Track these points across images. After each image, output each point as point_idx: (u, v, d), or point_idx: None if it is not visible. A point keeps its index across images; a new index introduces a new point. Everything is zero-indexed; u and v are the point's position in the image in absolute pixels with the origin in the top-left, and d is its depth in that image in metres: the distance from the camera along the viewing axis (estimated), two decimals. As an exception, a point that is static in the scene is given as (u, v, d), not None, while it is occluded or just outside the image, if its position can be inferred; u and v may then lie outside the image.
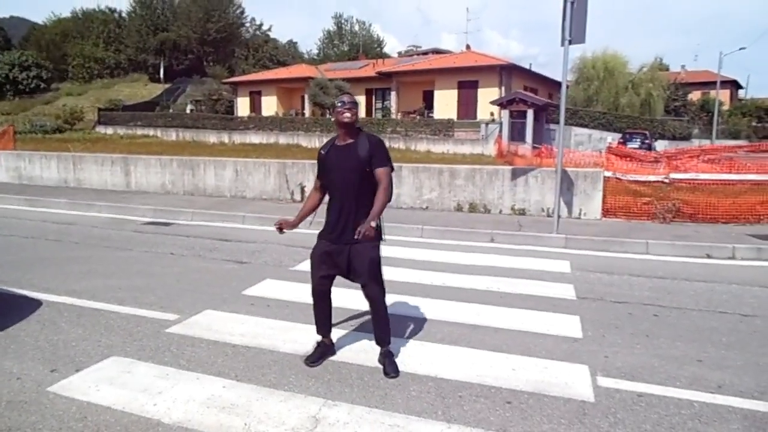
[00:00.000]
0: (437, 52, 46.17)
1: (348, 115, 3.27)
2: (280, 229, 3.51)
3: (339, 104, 3.31)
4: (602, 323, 4.37)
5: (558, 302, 4.90)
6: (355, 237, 3.07)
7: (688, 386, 3.29)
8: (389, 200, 3.29)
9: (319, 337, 3.62)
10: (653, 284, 5.59)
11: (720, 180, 8.53)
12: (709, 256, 6.83)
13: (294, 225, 3.53)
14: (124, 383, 3.16)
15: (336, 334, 3.98)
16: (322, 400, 3.01)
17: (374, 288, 3.34)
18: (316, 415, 2.85)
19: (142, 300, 4.73)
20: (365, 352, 3.64)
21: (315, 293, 3.48)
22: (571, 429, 2.79)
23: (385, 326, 3.43)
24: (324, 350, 3.59)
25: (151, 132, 37.52)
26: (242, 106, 42.16)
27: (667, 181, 8.60)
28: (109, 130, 38.48)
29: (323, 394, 3.09)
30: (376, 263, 3.36)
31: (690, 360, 3.68)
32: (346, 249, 3.32)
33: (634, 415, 2.93)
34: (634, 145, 23.37)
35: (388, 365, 3.36)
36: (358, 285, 3.40)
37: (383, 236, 3.43)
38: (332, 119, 33.64)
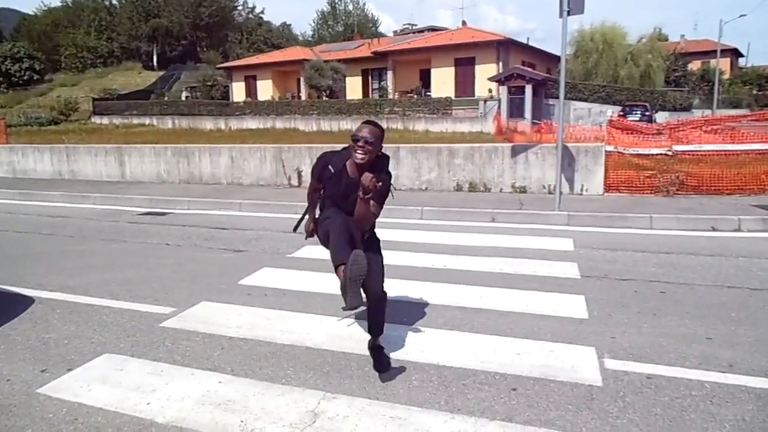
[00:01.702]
0: (433, 29, 45.50)
1: (360, 155, 2.92)
2: (311, 235, 3.35)
3: (355, 137, 2.94)
4: (608, 302, 4.26)
5: (562, 282, 4.79)
6: (361, 195, 2.86)
7: (698, 366, 3.19)
8: (369, 222, 3.14)
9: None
10: (659, 260, 5.47)
11: (724, 150, 8.37)
12: (714, 229, 6.70)
13: (315, 221, 3.34)
14: (117, 382, 3.07)
15: (335, 322, 3.89)
16: (320, 393, 2.91)
17: (374, 277, 3.13)
18: (314, 409, 2.76)
19: (137, 293, 4.63)
20: (365, 341, 3.52)
21: (356, 260, 2.80)
22: (578, 415, 2.69)
23: (381, 318, 3.23)
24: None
25: (146, 121, 37.19)
26: (238, 92, 41.72)
27: (670, 153, 8.43)
28: (105, 120, 38.14)
29: (322, 387, 2.99)
30: (379, 256, 3.24)
31: (699, 338, 3.58)
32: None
33: (644, 399, 2.83)
34: (635, 117, 23.08)
35: (382, 359, 3.15)
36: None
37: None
38: (327, 100, 33.34)
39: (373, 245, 3.26)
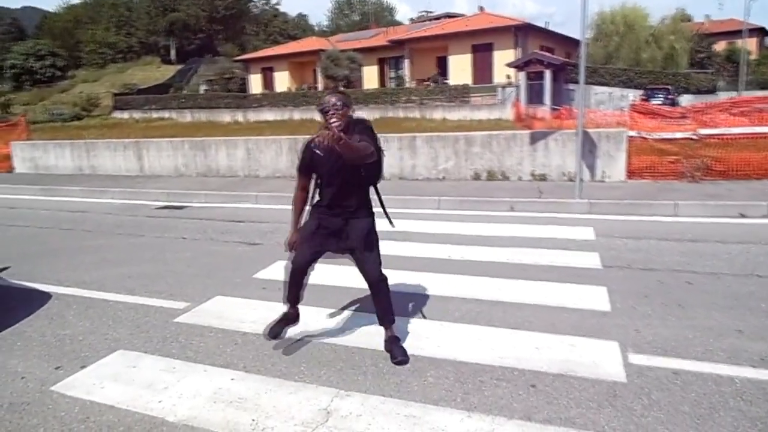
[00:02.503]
0: (450, 16, 44.92)
1: (335, 121, 2.95)
2: (293, 248, 3.31)
3: (324, 107, 2.97)
4: (631, 293, 4.11)
5: (583, 272, 4.65)
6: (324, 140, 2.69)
7: (727, 360, 3.04)
8: (363, 156, 2.96)
9: (276, 314, 3.50)
10: (684, 248, 5.28)
11: (752, 133, 8.05)
12: (742, 216, 6.45)
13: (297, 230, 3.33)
14: (130, 379, 3.05)
15: (348, 316, 3.83)
16: (334, 391, 2.85)
17: (370, 262, 3.16)
18: (327, 407, 2.70)
19: (152, 288, 4.62)
20: (380, 335, 3.43)
21: (296, 267, 3.22)
22: (601, 413, 2.58)
23: (387, 305, 3.23)
24: (288, 321, 3.42)
25: (166, 114, 37.53)
26: (255, 84, 41.81)
27: (695, 137, 8.14)
28: (125, 115, 38.58)
29: (335, 384, 2.93)
30: (373, 235, 3.22)
31: (728, 330, 3.42)
32: (342, 223, 3.16)
33: (670, 395, 2.71)
34: (657, 101, 22.48)
35: (397, 350, 3.15)
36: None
37: (392, 222, 3.36)
38: (343, 90, 33.23)
39: (365, 230, 3.19)
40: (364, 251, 3.16)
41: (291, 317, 3.48)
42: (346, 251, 3.24)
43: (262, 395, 2.83)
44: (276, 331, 3.39)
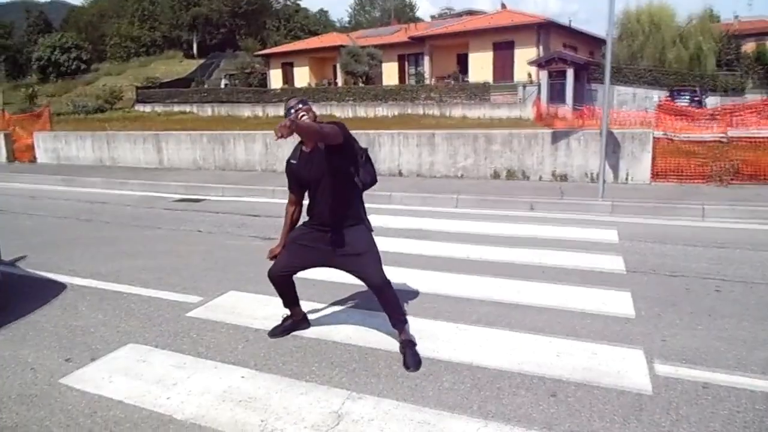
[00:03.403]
0: (471, 13, 44.48)
1: (306, 117, 2.94)
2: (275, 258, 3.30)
3: (290, 111, 2.96)
4: (657, 300, 3.95)
5: (606, 276, 4.50)
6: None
7: (761, 374, 2.88)
8: (324, 135, 2.82)
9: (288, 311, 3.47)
10: (712, 254, 5.08)
11: (785, 136, 7.76)
12: (774, 221, 6.21)
13: (284, 241, 3.31)
14: (139, 374, 2.99)
15: (362, 315, 3.73)
16: (345, 393, 2.76)
17: (371, 267, 3.03)
18: (338, 410, 2.61)
19: (166, 281, 4.59)
20: (394, 335, 3.33)
21: (271, 277, 3.25)
22: (626, 427, 2.45)
23: (396, 307, 3.13)
24: (292, 325, 3.46)
25: (187, 108, 37.82)
26: (275, 79, 41.92)
27: (725, 139, 7.88)
28: (147, 108, 38.98)
29: (347, 386, 2.84)
30: (369, 238, 3.12)
31: (761, 343, 3.25)
32: (331, 235, 3.08)
33: (700, 410, 2.56)
34: (683, 102, 21.99)
35: (409, 357, 3.03)
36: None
37: (371, 228, 3.22)
38: (363, 86, 33.13)
39: (360, 236, 3.09)
40: (362, 256, 3.04)
41: (296, 321, 3.48)
42: (339, 264, 3.15)
43: (273, 395, 2.75)
44: (276, 331, 3.44)
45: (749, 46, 39.53)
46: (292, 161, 3.15)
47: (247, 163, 11.31)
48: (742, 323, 3.54)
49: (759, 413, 2.54)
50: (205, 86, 43.23)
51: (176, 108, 38.13)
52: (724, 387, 2.76)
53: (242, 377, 2.94)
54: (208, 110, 36.75)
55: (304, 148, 3.10)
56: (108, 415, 2.60)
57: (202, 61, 53.57)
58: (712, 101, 24.56)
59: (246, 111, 34.57)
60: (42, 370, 3.07)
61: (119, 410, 2.64)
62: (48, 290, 4.37)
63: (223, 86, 42.90)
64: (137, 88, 42.32)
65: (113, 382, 2.91)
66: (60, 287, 4.45)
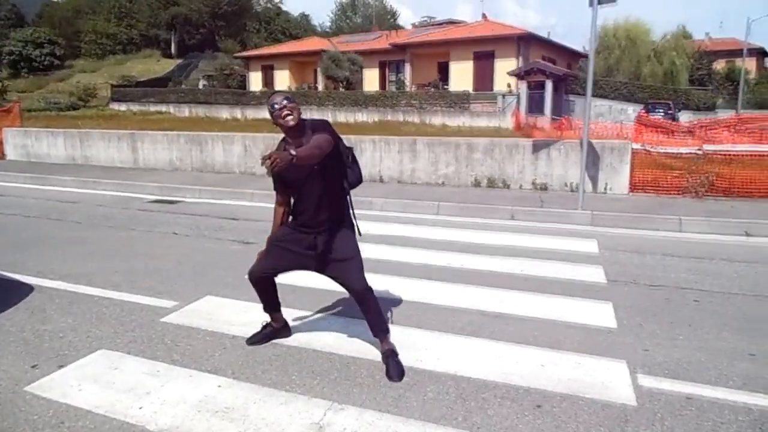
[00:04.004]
0: (452, 22, 44.81)
1: (291, 117, 2.84)
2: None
3: (274, 107, 2.83)
4: (638, 311, 3.96)
5: (588, 286, 4.50)
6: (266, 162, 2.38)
7: (742, 386, 2.89)
8: (323, 150, 2.73)
9: (268, 318, 3.37)
10: (690, 265, 5.15)
11: (758, 152, 7.96)
12: (748, 234, 6.33)
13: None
14: (110, 382, 2.86)
15: (344, 322, 3.65)
16: (327, 403, 2.68)
17: (354, 273, 2.97)
18: (320, 421, 2.52)
19: (140, 285, 4.43)
20: (376, 344, 3.27)
21: (251, 278, 3.15)
22: (612, 440, 2.42)
23: (377, 315, 3.06)
24: (273, 333, 3.36)
25: (164, 108, 37.24)
26: (255, 81, 41.58)
27: (700, 153, 8.04)
28: (123, 107, 38.26)
29: (329, 396, 2.75)
30: (353, 244, 3.05)
31: (741, 354, 3.28)
32: (315, 238, 3.00)
33: (684, 423, 2.55)
34: (657, 116, 22.46)
35: (392, 367, 2.95)
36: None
37: (360, 232, 3.15)
38: (343, 91, 33.07)
39: (344, 241, 3.02)
40: (345, 262, 2.98)
41: (277, 329, 3.37)
42: (321, 268, 3.07)
43: (251, 405, 2.65)
44: (255, 339, 3.33)
45: (720, 64, 40.81)
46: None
47: (225, 165, 11.13)
48: (722, 334, 3.56)
49: (741, 425, 2.54)
50: (183, 86, 42.61)
51: (153, 108, 37.51)
52: (707, 399, 2.76)
53: (219, 386, 2.83)
54: (185, 111, 36.25)
55: (288, 148, 3.02)
56: (76, 426, 2.47)
57: (180, 61, 52.84)
58: (684, 117, 25.19)
59: (224, 113, 34.18)
60: (6, 377, 2.91)
61: (88, 420, 2.51)
62: (14, 292, 4.18)
63: (201, 87, 42.36)
64: (113, 86, 41.52)
65: (82, 390, 2.77)
66: (27, 289, 4.26)
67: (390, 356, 3.02)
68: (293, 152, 2.43)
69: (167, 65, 51.58)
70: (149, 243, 5.92)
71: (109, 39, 58.62)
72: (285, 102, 2.85)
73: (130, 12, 61.44)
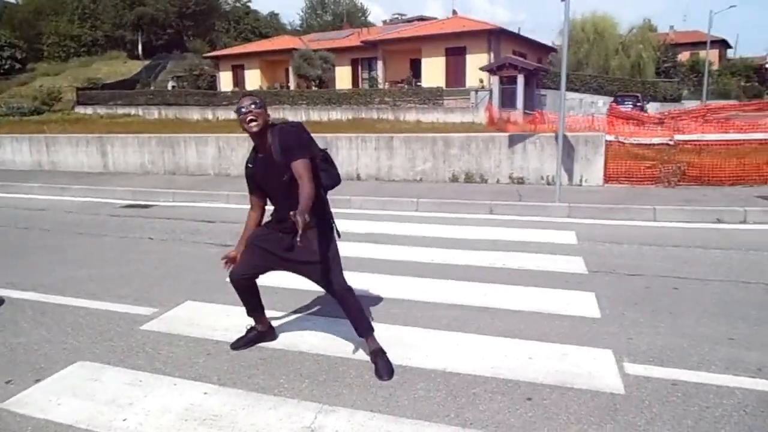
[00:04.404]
0: (423, 19, 45.00)
1: (255, 124, 2.79)
2: (231, 260, 3.10)
3: (241, 111, 2.80)
4: (620, 300, 4.01)
5: (569, 277, 4.55)
6: (296, 237, 2.49)
7: (725, 370, 2.95)
8: (311, 191, 2.72)
9: (252, 321, 3.31)
10: (667, 253, 5.24)
11: (726, 140, 8.16)
12: (720, 221, 6.49)
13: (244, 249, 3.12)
14: (90, 394, 2.76)
15: (329, 323, 3.60)
16: (317, 406, 2.63)
17: (333, 273, 2.93)
18: (311, 424, 2.48)
19: (116, 292, 4.30)
20: (363, 343, 3.24)
21: (232, 280, 3.09)
22: (603, 429, 2.44)
23: (359, 314, 3.02)
24: (257, 337, 3.30)
25: (132, 111, 36.42)
26: (225, 81, 41.02)
27: (671, 143, 8.21)
28: (89, 110, 37.29)
29: (318, 398, 2.71)
30: (332, 243, 3.00)
31: (721, 339, 3.34)
32: (292, 238, 2.88)
33: (672, 409, 2.59)
34: (626, 107, 22.93)
35: (381, 366, 2.93)
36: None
37: (338, 233, 3.08)
38: (316, 90, 32.87)
39: (321, 243, 2.95)
40: (322, 263, 2.92)
41: (261, 333, 3.30)
42: (299, 269, 3.03)
43: (239, 412, 2.59)
44: (241, 347, 3.26)
45: (684, 56, 41.87)
46: (249, 165, 3.02)
47: (199, 167, 10.93)
48: (702, 320, 3.63)
49: (727, 408, 2.59)
50: (152, 88, 41.78)
51: (120, 110, 36.65)
52: (692, 384, 2.80)
53: (205, 393, 2.76)
54: (154, 113, 35.50)
55: (258, 151, 2.96)
56: (56, 442, 2.38)
57: (147, 62, 51.72)
58: (652, 108, 25.77)
59: (195, 114, 33.60)
60: (-22, 394, 2.79)
61: (69, 435, 2.42)
62: (-17, 305, 4.02)
63: (170, 88, 41.57)
64: (78, 89, 40.42)
65: (61, 404, 2.67)
66: (-3, 301, 4.10)
67: (378, 355, 2.99)
68: (299, 222, 2.40)
69: (134, 67, 50.46)
70: (123, 249, 5.76)
71: (73, 41, 57.09)
72: (252, 107, 2.80)
73: (93, 13, 59.89)
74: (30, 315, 3.86)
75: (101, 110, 36.89)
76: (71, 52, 56.28)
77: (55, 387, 2.84)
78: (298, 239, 2.44)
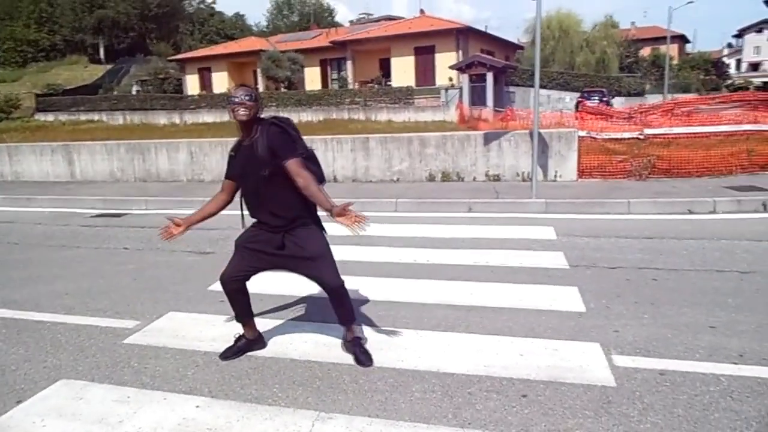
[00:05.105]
0: (390, 18, 45.08)
1: (242, 111, 2.80)
2: (170, 232, 3.09)
3: (233, 100, 2.80)
4: (603, 293, 4.09)
5: (552, 273, 4.61)
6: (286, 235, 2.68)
7: (708, 358, 3.03)
8: (321, 183, 2.93)
9: (239, 330, 3.28)
10: (643, 245, 5.37)
11: (693, 133, 8.42)
12: (691, 212, 6.69)
13: (188, 224, 3.13)
14: (76, 413, 2.67)
15: (318, 328, 3.57)
16: (314, 413, 2.60)
17: (327, 268, 2.95)
18: (309, 433, 2.45)
19: (94, 306, 4.18)
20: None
21: (223, 282, 3.09)
22: (598, 422, 2.48)
23: (349, 307, 3.07)
24: (247, 346, 3.25)
25: (95, 117, 35.45)
26: (191, 84, 40.29)
27: (641, 137, 8.42)
28: (50, 117, 36.09)
29: (314, 406, 2.68)
30: (323, 239, 3.03)
31: (702, 327, 3.44)
32: (282, 237, 2.95)
33: (662, 398, 2.65)
34: (593, 103, 23.40)
35: (360, 354, 3.04)
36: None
37: (325, 230, 3.12)
38: (285, 91, 32.60)
39: (313, 238, 2.98)
40: (317, 259, 2.93)
41: (250, 341, 3.26)
42: (293, 267, 3.01)
43: (234, 424, 2.54)
44: (228, 353, 3.22)
45: (645, 51, 42.99)
46: (231, 153, 3.04)
47: (171, 173, 10.71)
48: (683, 309, 3.73)
49: (714, 395, 2.66)
50: (115, 93, 40.74)
51: (83, 116, 35.64)
52: (679, 373, 2.87)
53: (197, 407, 2.70)
54: (119, 118, 34.67)
55: (243, 140, 2.94)
56: (45, 465, 2.29)
57: (110, 66, 50.40)
58: (617, 102, 26.38)
59: (162, 118, 32.94)
60: (-44, 419, 2.66)
61: (58, 458, 2.33)
62: (-47, 325, 3.85)
63: (134, 93, 40.65)
64: (37, 95, 39.10)
65: (46, 426, 2.57)
66: (-32, 320, 3.93)
67: (356, 344, 3.08)
68: (353, 213, 2.70)
69: (96, 71, 49.09)
70: (98, 260, 5.60)
71: (30, 45, 55.19)
72: (246, 99, 2.81)
73: (51, 17, 58.02)
74: (4, 333, 3.71)
75: (63, 117, 35.78)
76: (29, 58, 54.43)
77: (37, 408, 2.74)
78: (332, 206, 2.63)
